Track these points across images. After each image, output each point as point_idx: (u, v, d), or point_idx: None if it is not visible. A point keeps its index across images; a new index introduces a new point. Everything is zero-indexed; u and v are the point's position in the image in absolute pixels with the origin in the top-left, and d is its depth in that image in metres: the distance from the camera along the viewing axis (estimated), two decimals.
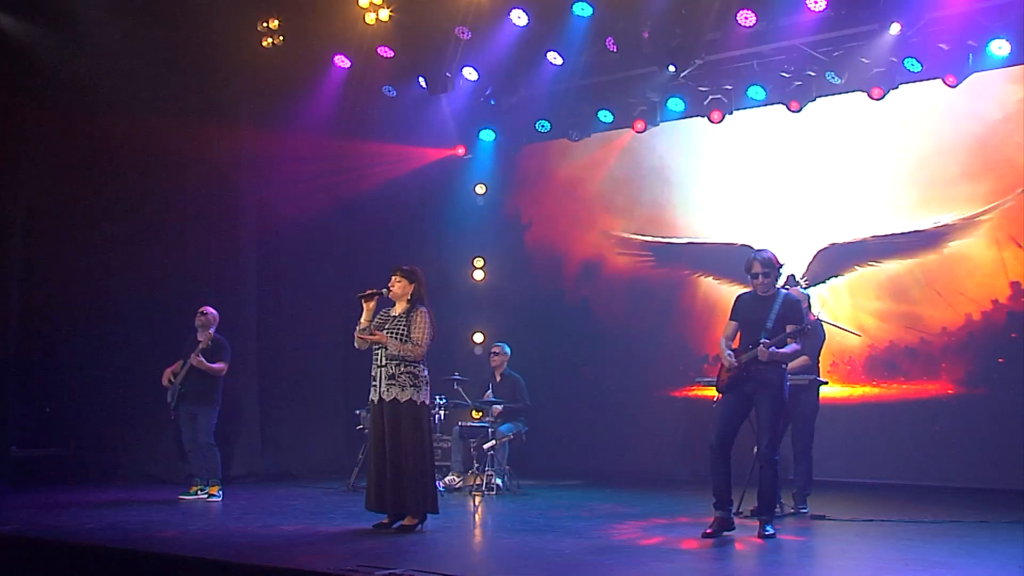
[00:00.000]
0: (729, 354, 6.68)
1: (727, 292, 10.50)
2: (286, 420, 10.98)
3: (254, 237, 10.79)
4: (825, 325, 8.51)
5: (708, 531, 6.54)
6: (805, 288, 9.82)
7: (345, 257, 11.65)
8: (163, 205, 10.31)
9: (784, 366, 6.73)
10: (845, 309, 10.31)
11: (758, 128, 10.81)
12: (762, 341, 6.51)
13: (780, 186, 10.73)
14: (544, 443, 11.00)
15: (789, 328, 6.60)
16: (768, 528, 6.57)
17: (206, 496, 8.57)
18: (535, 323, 12.03)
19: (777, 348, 6.53)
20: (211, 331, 8.77)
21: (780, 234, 10.36)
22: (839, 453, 9.76)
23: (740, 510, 7.20)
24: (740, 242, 10.73)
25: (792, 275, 8.73)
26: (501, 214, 12.54)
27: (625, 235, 11.70)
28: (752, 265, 6.78)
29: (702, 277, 11.13)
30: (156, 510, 7.84)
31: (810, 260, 10.42)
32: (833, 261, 10.36)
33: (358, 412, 9.59)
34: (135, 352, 9.90)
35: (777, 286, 6.85)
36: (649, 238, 11.53)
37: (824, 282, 10.38)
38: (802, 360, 7.67)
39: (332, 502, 8.51)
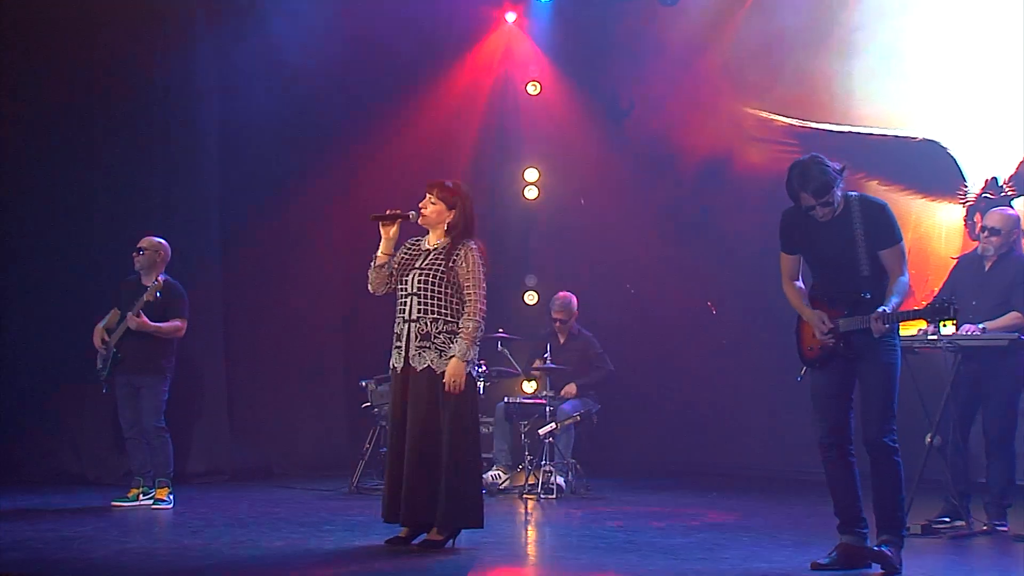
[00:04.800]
0: (822, 319, 6.14)
1: (900, 203, 10.17)
2: (264, 398, 11.04)
3: (216, 143, 10.70)
4: None
5: (820, 561, 6.18)
6: (1011, 196, 9.66)
7: (348, 171, 11.54)
8: (90, 110, 10.26)
9: None
10: None
11: None
12: (881, 311, 5.93)
13: (976, 55, 10.40)
14: (624, 428, 10.97)
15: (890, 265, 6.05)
16: (886, 548, 6.10)
17: (151, 501, 8.61)
18: (615, 257, 11.96)
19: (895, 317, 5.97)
20: (160, 276, 8.70)
21: (977, 122, 10.17)
22: None
23: (909, 526, 6.96)
24: (921, 135, 10.56)
25: (994, 178, 8.42)
26: (564, 105, 12.43)
27: (763, 115, 11.62)
28: (799, 196, 6.20)
29: (866, 180, 10.73)
30: (81, 521, 7.80)
31: (1021, 160, 10.09)
32: None
33: (364, 384, 9.75)
34: (49, 305, 9.96)
35: (840, 192, 6.17)
36: (796, 122, 11.41)
37: None
38: (1013, 317, 7.47)
39: (328, 509, 8.59)
